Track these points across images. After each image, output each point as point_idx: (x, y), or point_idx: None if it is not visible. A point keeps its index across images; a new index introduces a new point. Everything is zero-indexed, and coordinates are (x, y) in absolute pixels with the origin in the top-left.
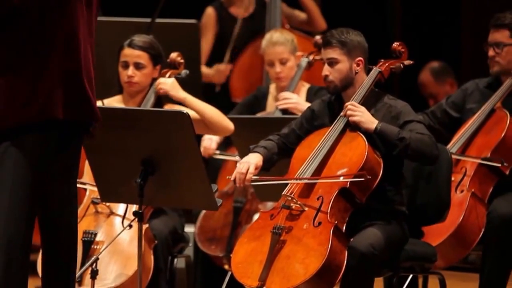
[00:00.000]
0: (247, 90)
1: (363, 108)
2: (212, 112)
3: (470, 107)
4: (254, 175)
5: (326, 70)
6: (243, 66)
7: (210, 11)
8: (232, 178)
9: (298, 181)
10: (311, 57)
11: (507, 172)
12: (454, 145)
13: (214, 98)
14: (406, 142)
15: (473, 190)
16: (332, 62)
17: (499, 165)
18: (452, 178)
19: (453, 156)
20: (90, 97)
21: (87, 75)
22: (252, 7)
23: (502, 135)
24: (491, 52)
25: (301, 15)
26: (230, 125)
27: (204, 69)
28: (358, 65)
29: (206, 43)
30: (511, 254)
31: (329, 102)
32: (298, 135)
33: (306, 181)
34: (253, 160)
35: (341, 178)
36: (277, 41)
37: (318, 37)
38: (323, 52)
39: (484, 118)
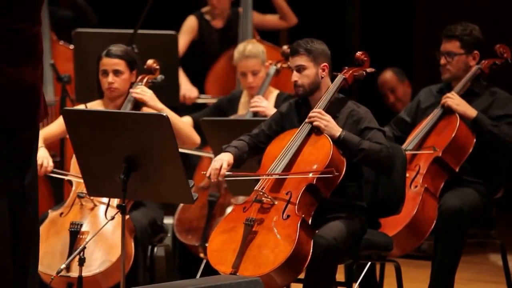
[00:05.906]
0: (221, 95)
1: (328, 117)
2: (184, 125)
3: (424, 110)
4: (227, 171)
5: (295, 76)
6: (218, 73)
7: (192, 19)
8: (207, 174)
9: (267, 176)
10: (279, 65)
11: (457, 169)
12: (409, 144)
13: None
14: (365, 153)
15: (426, 185)
16: (300, 69)
17: (432, 151)
18: (407, 175)
19: (410, 152)
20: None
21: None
22: (229, 18)
23: (453, 135)
24: (443, 61)
25: (272, 17)
26: (197, 139)
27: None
28: (323, 70)
29: (181, 46)
30: (459, 243)
31: (296, 105)
32: (267, 135)
33: (276, 176)
34: (226, 158)
35: (310, 175)
36: (250, 54)
37: (285, 47)
38: (291, 60)
39: (436, 120)
